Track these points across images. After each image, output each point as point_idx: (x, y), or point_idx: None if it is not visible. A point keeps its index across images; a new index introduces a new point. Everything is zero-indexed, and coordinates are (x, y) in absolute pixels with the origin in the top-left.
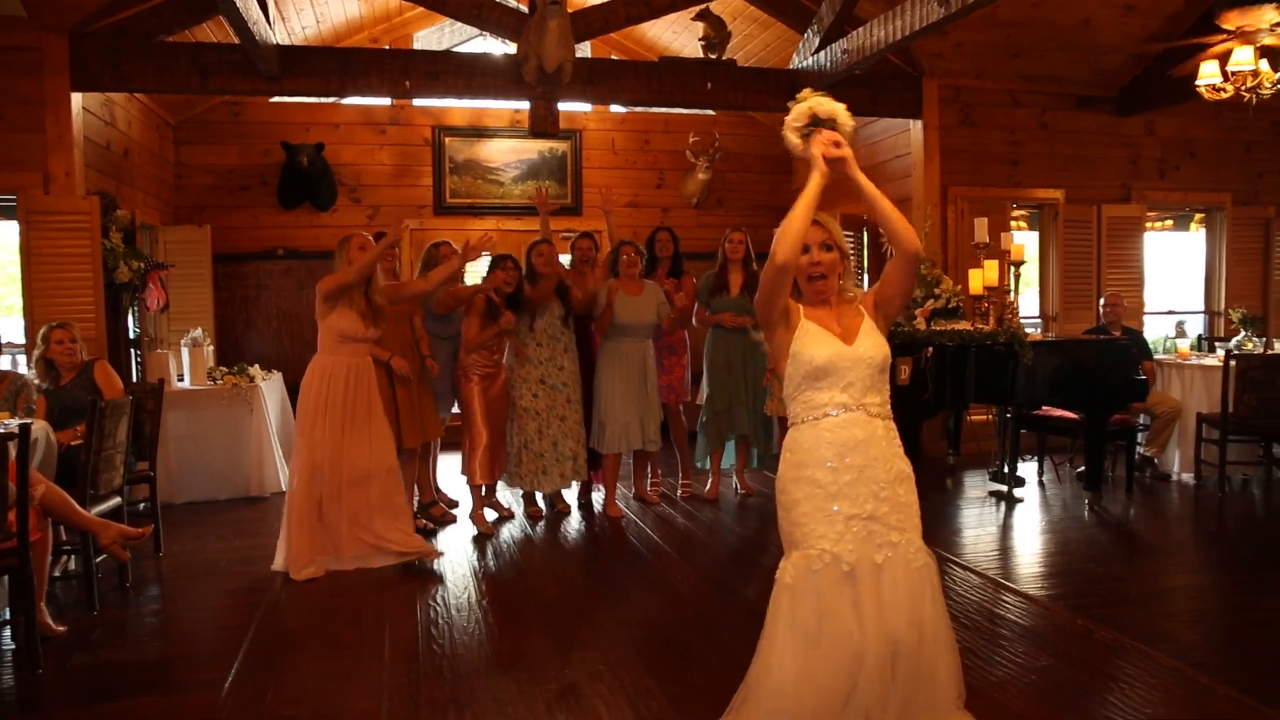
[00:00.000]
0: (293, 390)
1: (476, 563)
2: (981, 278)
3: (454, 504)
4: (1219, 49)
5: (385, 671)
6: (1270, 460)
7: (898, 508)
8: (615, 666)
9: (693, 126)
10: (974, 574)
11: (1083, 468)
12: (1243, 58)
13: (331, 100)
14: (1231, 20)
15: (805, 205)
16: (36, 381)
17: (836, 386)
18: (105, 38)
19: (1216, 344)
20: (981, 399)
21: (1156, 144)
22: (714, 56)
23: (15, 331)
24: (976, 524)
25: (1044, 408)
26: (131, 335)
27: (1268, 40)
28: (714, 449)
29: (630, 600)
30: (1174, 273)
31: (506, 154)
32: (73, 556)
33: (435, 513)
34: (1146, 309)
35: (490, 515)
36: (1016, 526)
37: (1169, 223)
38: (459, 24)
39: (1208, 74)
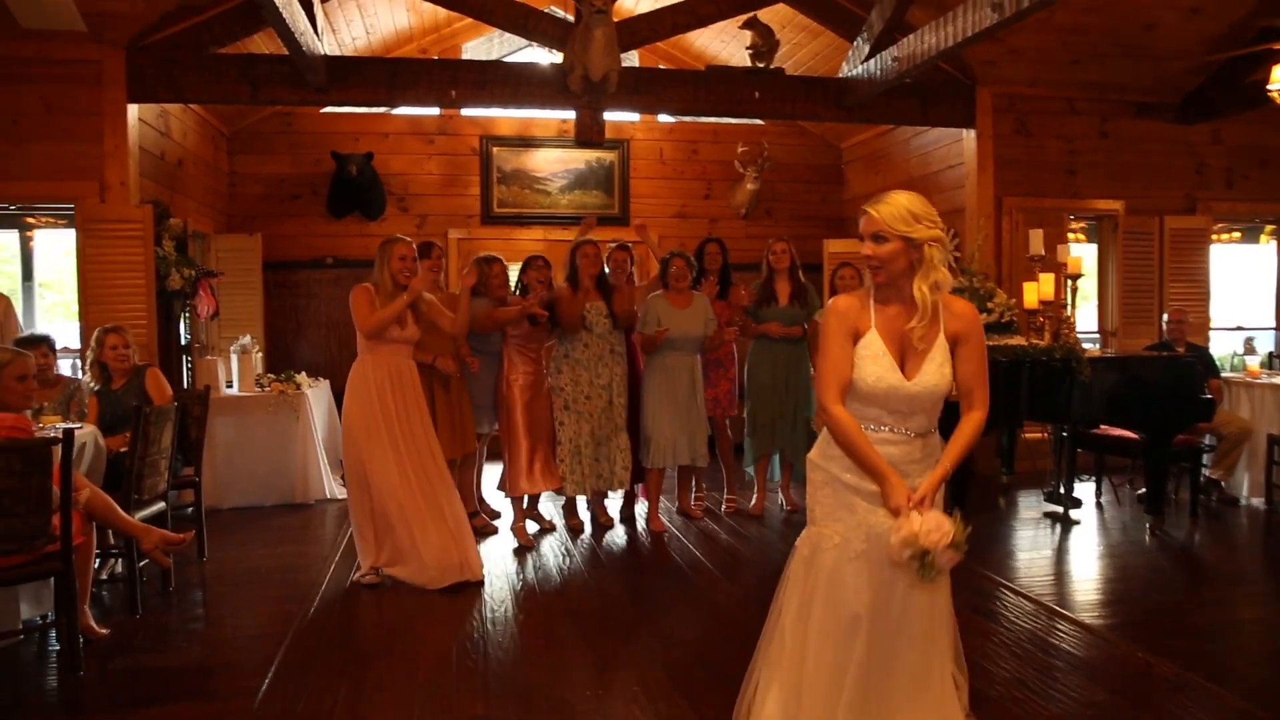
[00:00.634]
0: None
1: (515, 576)
2: (1037, 291)
3: (496, 515)
4: None
5: (417, 685)
6: None
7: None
8: (650, 687)
9: (741, 136)
10: (1027, 600)
11: (1143, 490)
12: None
13: (381, 110)
14: None
15: (859, 460)
16: (90, 384)
17: (884, 410)
18: (160, 51)
19: None
20: (1036, 417)
21: (1224, 152)
22: (762, 65)
23: (72, 337)
24: (1030, 546)
25: (1102, 426)
26: (183, 342)
27: None
28: (759, 459)
29: (669, 618)
30: (1243, 287)
31: (554, 164)
32: (119, 560)
33: (476, 524)
34: (1213, 325)
35: (531, 528)
36: (1072, 550)
37: (1237, 234)
38: (508, 35)
39: None
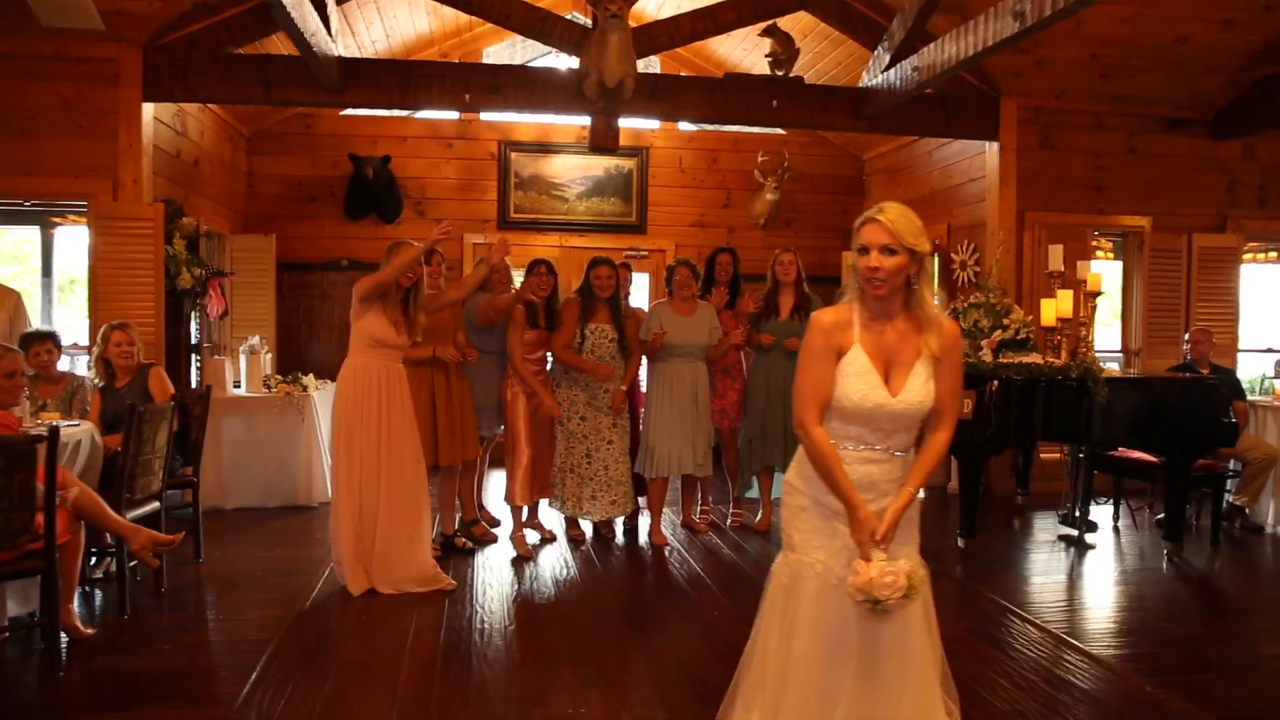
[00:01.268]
0: None
1: (511, 586)
2: (1055, 308)
3: (496, 523)
4: None
5: (397, 695)
6: None
7: (900, 527)
8: (635, 707)
9: (762, 145)
10: (1034, 627)
11: (1162, 515)
12: None
13: (400, 114)
14: None
15: (833, 489)
16: (95, 380)
17: (867, 429)
18: (176, 50)
19: None
20: (1051, 437)
21: (1257, 170)
22: (781, 73)
23: (81, 333)
24: (1042, 571)
25: (1121, 449)
26: (193, 341)
27: None
28: (760, 472)
29: (663, 636)
30: (1274, 308)
31: (572, 170)
32: (113, 559)
33: (476, 531)
34: (1241, 346)
35: (531, 537)
36: (1085, 576)
37: (1274, 254)
38: (529, 41)
39: None
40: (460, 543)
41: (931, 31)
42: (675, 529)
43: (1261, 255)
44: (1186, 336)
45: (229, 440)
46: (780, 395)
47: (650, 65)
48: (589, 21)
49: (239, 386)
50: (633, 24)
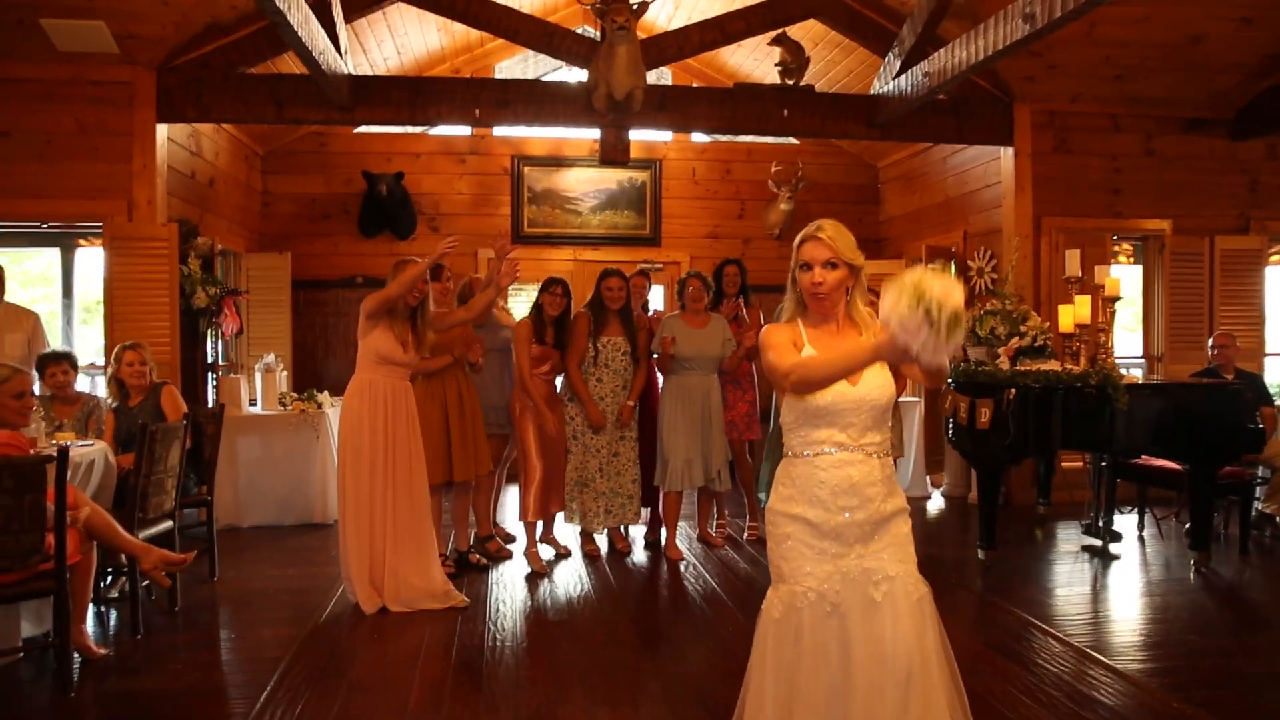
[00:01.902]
0: None
1: (524, 603)
2: (1073, 314)
3: (511, 539)
4: None
5: (408, 714)
6: None
7: (892, 543)
8: None
9: (776, 156)
10: (1057, 641)
11: (1190, 523)
12: None
13: (413, 130)
14: None
15: (843, 368)
16: (109, 400)
17: (836, 425)
18: (189, 71)
19: None
20: (1071, 445)
21: (1278, 169)
22: (791, 82)
23: (98, 353)
24: (1066, 583)
25: (1144, 457)
26: (209, 360)
27: None
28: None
29: (677, 654)
30: None
31: (585, 184)
32: (127, 578)
33: (491, 548)
34: (1267, 350)
35: (546, 553)
36: (1110, 587)
37: None
38: (541, 55)
39: None
40: (475, 559)
41: (942, 37)
42: (691, 543)
43: None
44: (1210, 341)
45: (245, 458)
46: None
47: (662, 77)
48: (598, 34)
49: (255, 405)
50: (641, 36)
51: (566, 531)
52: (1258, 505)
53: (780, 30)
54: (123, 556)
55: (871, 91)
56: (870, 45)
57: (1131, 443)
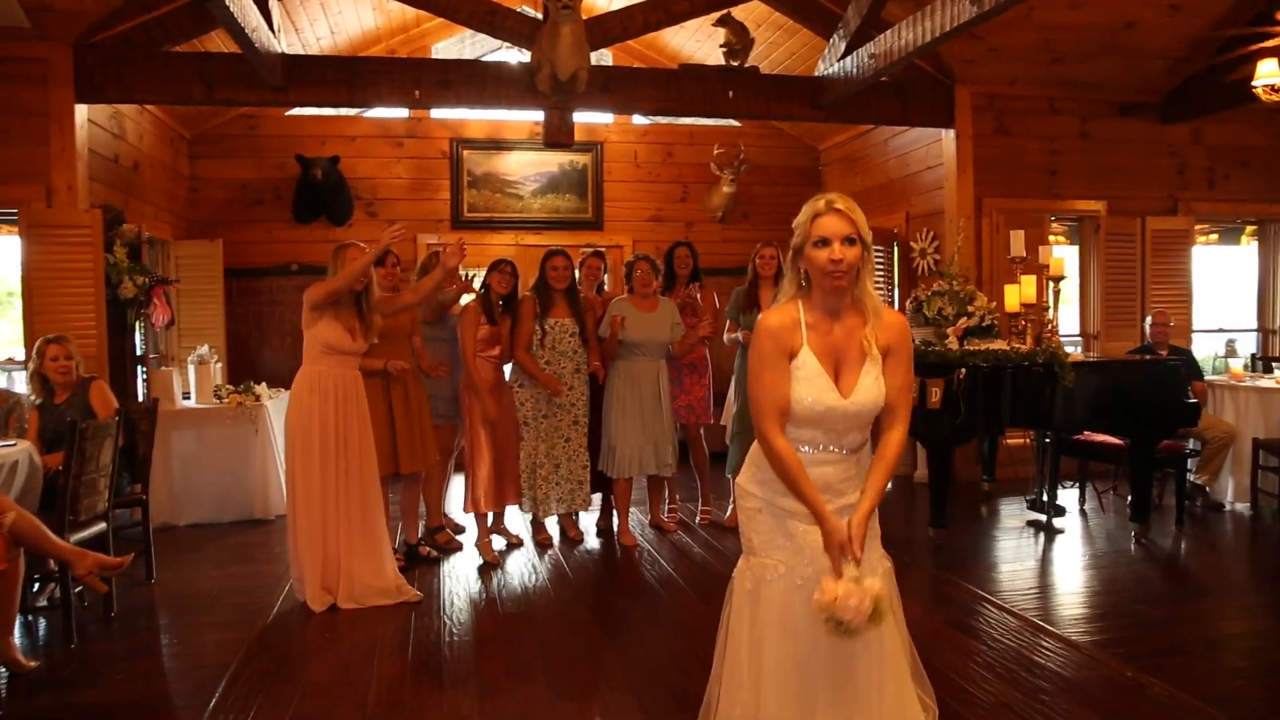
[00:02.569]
0: None
1: (479, 596)
2: (1019, 294)
3: (460, 530)
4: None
5: (366, 715)
6: None
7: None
8: (613, 715)
9: (718, 138)
10: (1011, 616)
11: (1130, 497)
12: None
13: (348, 112)
14: None
15: (799, 496)
16: (32, 398)
17: (819, 430)
18: (109, 48)
19: (1274, 365)
20: (1019, 423)
21: (1204, 153)
22: (736, 64)
23: (16, 348)
24: (1013, 558)
25: (1087, 432)
26: (138, 352)
27: None
28: (738, 468)
29: (637, 641)
30: (1221, 289)
31: (526, 167)
32: (57, 585)
33: (440, 539)
34: (1194, 327)
35: (498, 543)
36: (1057, 561)
37: (1214, 237)
38: (480, 36)
39: (1266, 73)
40: (425, 551)
41: (886, 19)
42: (644, 529)
43: (1204, 238)
44: (1149, 319)
45: (179, 454)
46: None
47: (602, 59)
48: (539, 15)
49: (188, 398)
50: (584, 16)
51: (518, 520)
52: (1190, 477)
53: (725, 11)
54: (50, 562)
55: (816, 73)
56: (813, 27)
57: (1076, 419)
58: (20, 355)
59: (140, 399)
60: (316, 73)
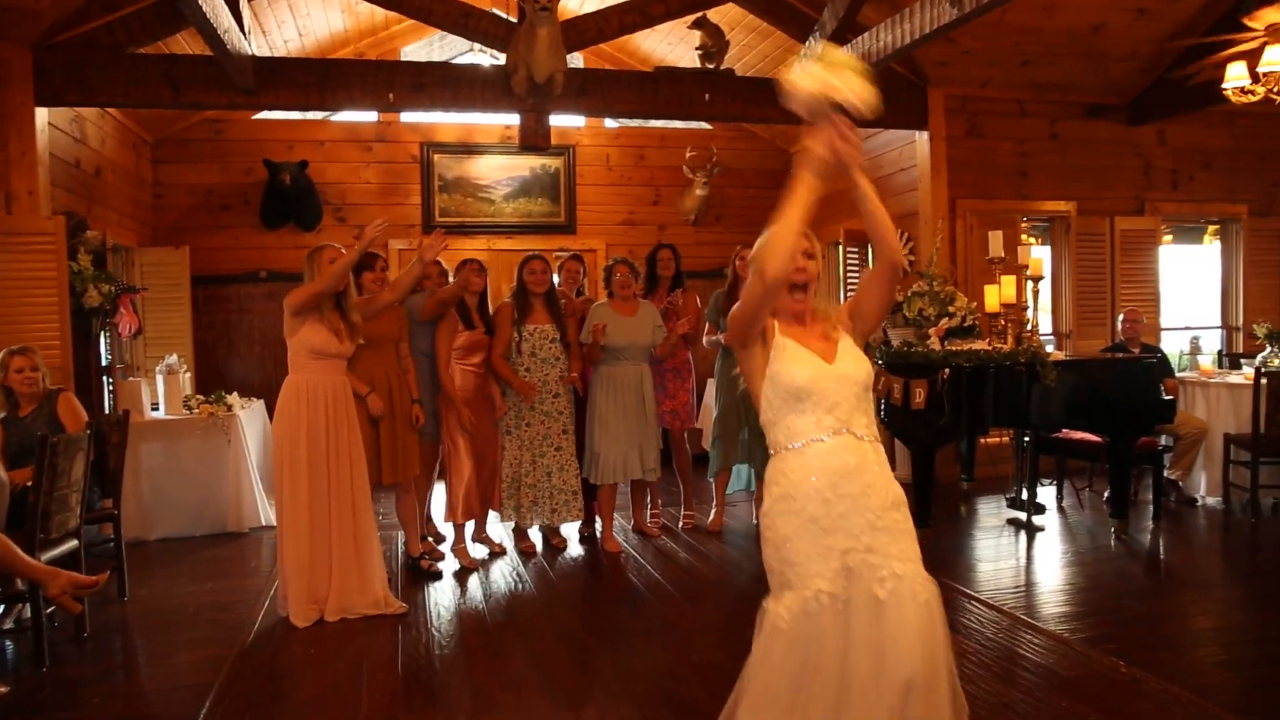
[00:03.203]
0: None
1: (465, 607)
2: (999, 294)
3: (441, 539)
4: (1244, 49)
5: None
6: None
7: (897, 536)
8: None
9: (690, 141)
10: (1003, 614)
11: (1108, 493)
12: (1275, 57)
13: (316, 116)
14: (1262, 18)
15: (799, 212)
16: None
17: (820, 409)
18: (71, 50)
19: (1241, 361)
20: (1001, 423)
21: (1169, 154)
22: (711, 66)
23: None
24: (1000, 556)
25: (1065, 430)
26: (104, 363)
27: None
28: (721, 471)
29: (630, 648)
30: (1185, 287)
31: (497, 171)
32: (25, 605)
33: (423, 565)
34: (1162, 325)
35: (479, 552)
36: (1043, 559)
37: (1168, 238)
38: (449, 39)
39: (1235, 76)
40: (427, 565)
41: (861, 23)
42: (627, 534)
43: (1165, 239)
44: (1121, 317)
45: (148, 467)
46: (743, 395)
47: (573, 61)
48: (511, 17)
49: (157, 409)
50: (559, 18)
51: (500, 529)
52: (1164, 472)
53: (701, 14)
54: (18, 581)
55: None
56: (789, 30)
57: (1056, 418)
58: None
59: (106, 410)
60: (287, 75)
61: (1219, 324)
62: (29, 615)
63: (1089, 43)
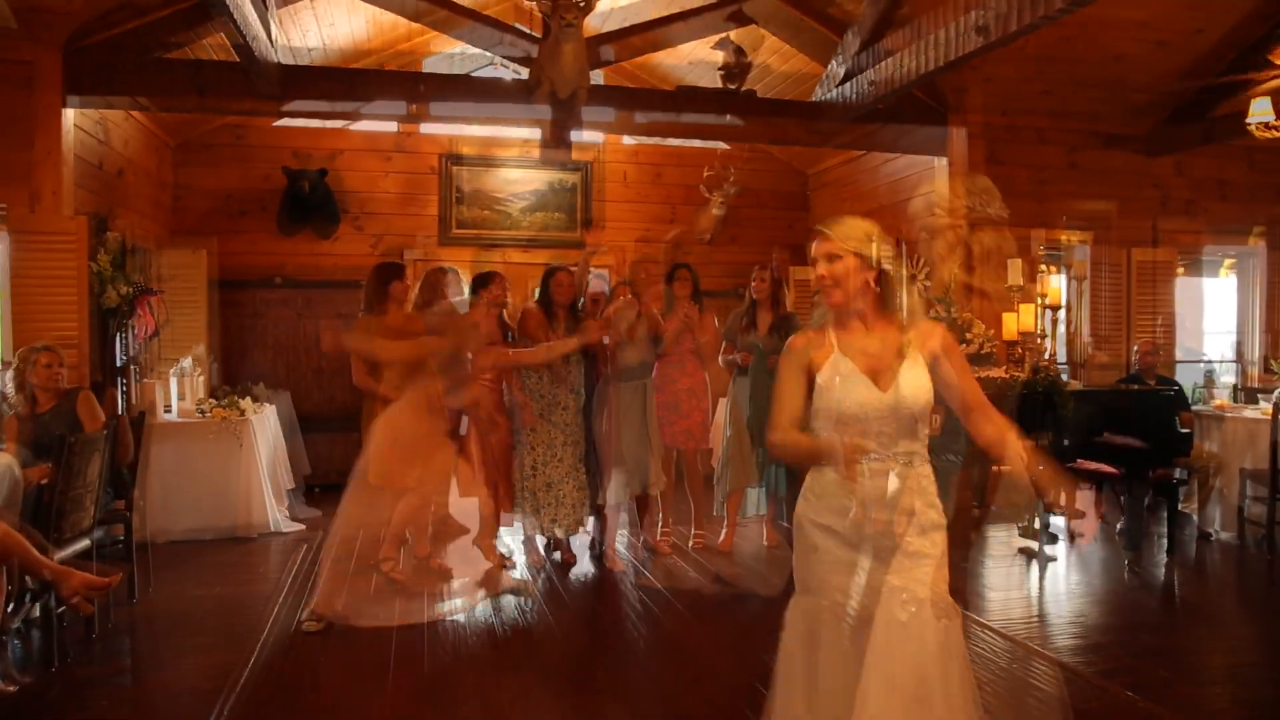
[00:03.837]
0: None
1: (476, 618)
2: (1017, 322)
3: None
4: (1270, 85)
5: None
6: None
7: (922, 561)
8: None
9: (707, 160)
10: (1018, 645)
11: (1120, 524)
12: None
13: (336, 125)
14: None
15: (805, 456)
16: (9, 406)
17: (865, 435)
18: (99, 52)
19: (1258, 395)
20: None
21: (1185, 185)
22: (734, 86)
23: None
24: (1014, 586)
25: (1079, 460)
26: (118, 363)
27: None
28: (732, 493)
29: (638, 669)
30: (1199, 320)
31: (515, 184)
32: (37, 604)
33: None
34: (1177, 357)
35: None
36: (1057, 590)
37: (1180, 270)
38: (470, 52)
39: (1259, 111)
40: (435, 564)
41: (884, 48)
42: (638, 551)
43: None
44: (1137, 348)
45: (161, 469)
46: (758, 415)
47: (594, 80)
48: (535, 32)
49: (170, 411)
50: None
51: (509, 541)
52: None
53: (724, 35)
54: (29, 579)
55: (813, 98)
56: (811, 53)
57: (1073, 447)
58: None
59: (120, 411)
60: (313, 83)
61: (1233, 357)
62: (38, 614)
63: (1109, 73)
